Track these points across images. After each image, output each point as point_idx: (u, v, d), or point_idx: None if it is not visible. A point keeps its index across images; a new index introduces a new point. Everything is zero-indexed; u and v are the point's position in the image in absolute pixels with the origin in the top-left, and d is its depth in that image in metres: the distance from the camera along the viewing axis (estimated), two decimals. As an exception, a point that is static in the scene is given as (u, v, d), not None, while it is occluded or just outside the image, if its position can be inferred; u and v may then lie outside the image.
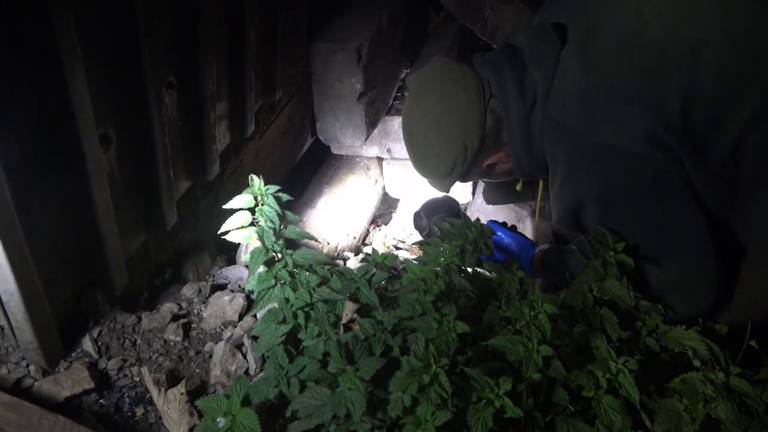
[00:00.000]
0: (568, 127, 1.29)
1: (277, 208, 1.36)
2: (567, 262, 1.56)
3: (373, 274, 1.42)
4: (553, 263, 1.61)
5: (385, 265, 1.44)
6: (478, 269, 1.54)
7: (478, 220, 1.44)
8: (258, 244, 1.38)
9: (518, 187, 1.75)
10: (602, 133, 1.25)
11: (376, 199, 2.89)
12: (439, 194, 1.87)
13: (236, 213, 1.38)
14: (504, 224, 1.81)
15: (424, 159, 1.51)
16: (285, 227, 1.39)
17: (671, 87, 1.19)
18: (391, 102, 2.80)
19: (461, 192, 2.76)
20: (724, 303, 1.38)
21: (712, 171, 1.23)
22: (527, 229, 2.69)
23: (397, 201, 3.02)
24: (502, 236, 1.74)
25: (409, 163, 2.75)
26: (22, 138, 1.23)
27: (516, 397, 1.15)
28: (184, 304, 1.73)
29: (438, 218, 1.83)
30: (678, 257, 1.33)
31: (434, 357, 1.10)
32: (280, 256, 1.39)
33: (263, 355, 1.44)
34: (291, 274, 1.37)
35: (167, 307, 1.67)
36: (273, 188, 1.39)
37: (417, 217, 1.89)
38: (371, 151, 2.78)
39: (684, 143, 1.21)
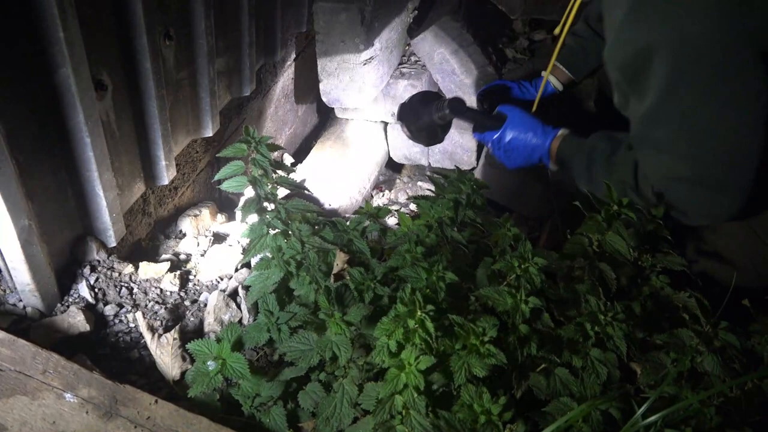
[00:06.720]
0: None
1: (270, 157, 1.36)
2: (591, 163, 1.48)
3: (366, 226, 1.42)
4: (570, 159, 1.53)
5: (378, 217, 1.44)
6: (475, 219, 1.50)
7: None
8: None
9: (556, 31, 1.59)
10: None
11: (380, 163, 2.88)
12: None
13: (230, 162, 1.38)
14: (519, 105, 1.68)
15: None
16: (278, 176, 1.39)
17: None
18: (396, 65, 2.77)
19: (467, 158, 2.74)
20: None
21: None
22: (532, 196, 2.68)
23: (400, 166, 3.01)
24: (515, 120, 1.61)
25: (414, 128, 2.76)
26: (10, 76, 1.23)
27: (503, 349, 1.15)
28: (182, 257, 1.75)
29: (439, 105, 1.70)
30: (731, 146, 1.25)
31: (420, 303, 1.10)
32: (273, 205, 1.39)
33: (256, 303, 1.46)
34: (284, 223, 1.37)
35: (165, 259, 1.69)
36: (266, 138, 1.38)
37: (408, 107, 1.77)
38: (375, 114, 2.76)
39: None
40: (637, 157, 1.39)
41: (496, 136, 1.64)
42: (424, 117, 1.76)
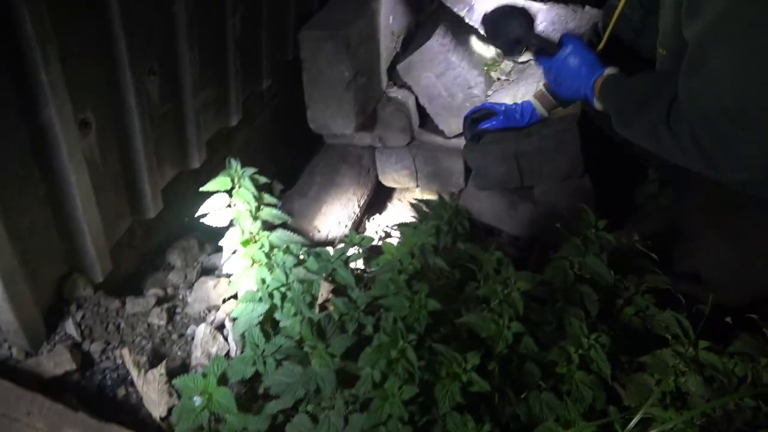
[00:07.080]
0: None
1: (254, 190, 1.37)
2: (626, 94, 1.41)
3: (350, 255, 1.43)
4: (610, 98, 1.48)
5: (362, 246, 1.45)
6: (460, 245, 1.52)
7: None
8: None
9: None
10: None
11: (369, 188, 2.89)
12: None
13: (213, 195, 1.39)
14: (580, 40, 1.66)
15: None
16: (261, 209, 1.40)
17: None
18: (383, 90, 2.80)
19: (454, 180, 2.76)
20: None
21: None
22: (520, 216, 2.69)
23: (390, 190, 3.03)
24: (570, 51, 1.58)
25: (401, 151, 2.78)
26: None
27: (487, 375, 1.16)
28: (169, 290, 1.75)
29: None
30: None
31: (402, 333, 1.11)
32: (257, 237, 1.40)
33: (242, 336, 1.46)
34: (267, 255, 1.38)
35: (152, 293, 1.69)
36: (250, 170, 1.40)
37: (490, 19, 1.88)
38: (363, 139, 2.78)
39: None
40: (678, 90, 1.27)
41: (548, 64, 1.63)
42: (501, 30, 1.86)
